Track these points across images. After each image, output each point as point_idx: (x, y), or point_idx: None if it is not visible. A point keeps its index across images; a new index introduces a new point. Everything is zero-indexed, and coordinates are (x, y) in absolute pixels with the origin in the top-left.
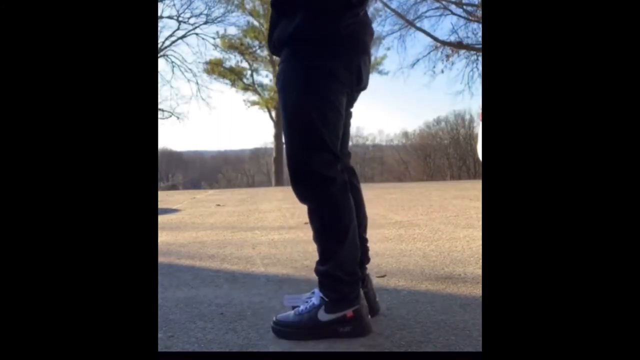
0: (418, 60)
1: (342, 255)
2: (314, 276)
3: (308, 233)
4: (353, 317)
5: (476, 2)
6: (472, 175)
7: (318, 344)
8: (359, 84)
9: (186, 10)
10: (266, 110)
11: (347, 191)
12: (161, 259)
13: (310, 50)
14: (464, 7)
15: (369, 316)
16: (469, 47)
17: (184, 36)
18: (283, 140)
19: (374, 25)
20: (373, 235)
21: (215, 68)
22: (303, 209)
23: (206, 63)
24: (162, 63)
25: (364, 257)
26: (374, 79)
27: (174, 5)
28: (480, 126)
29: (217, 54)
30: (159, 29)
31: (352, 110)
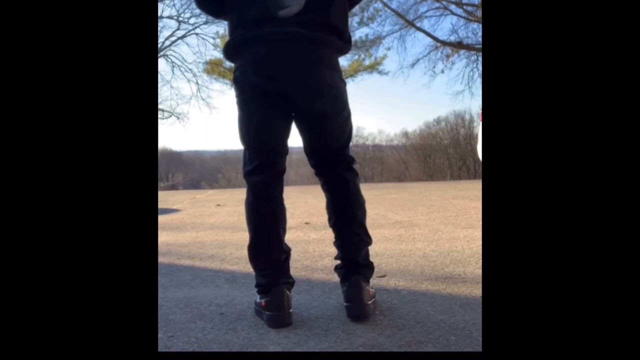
0: (418, 60)
1: (251, 247)
2: (314, 276)
3: (308, 233)
4: (264, 308)
5: (476, 2)
6: (472, 175)
7: (318, 344)
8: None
9: (186, 10)
10: None
11: (262, 190)
12: (161, 259)
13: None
14: (464, 7)
15: (284, 312)
16: (469, 47)
17: (184, 36)
18: None
19: (374, 25)
20: (373, 235)
21: (215, 68)
22: (302, 209)
23: (206, 63)
24: (162, 63)
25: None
26: (374, 79)
27: (174, 5)
28: (480, 126)
29: (217, 54)
30: (159, 29)
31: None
